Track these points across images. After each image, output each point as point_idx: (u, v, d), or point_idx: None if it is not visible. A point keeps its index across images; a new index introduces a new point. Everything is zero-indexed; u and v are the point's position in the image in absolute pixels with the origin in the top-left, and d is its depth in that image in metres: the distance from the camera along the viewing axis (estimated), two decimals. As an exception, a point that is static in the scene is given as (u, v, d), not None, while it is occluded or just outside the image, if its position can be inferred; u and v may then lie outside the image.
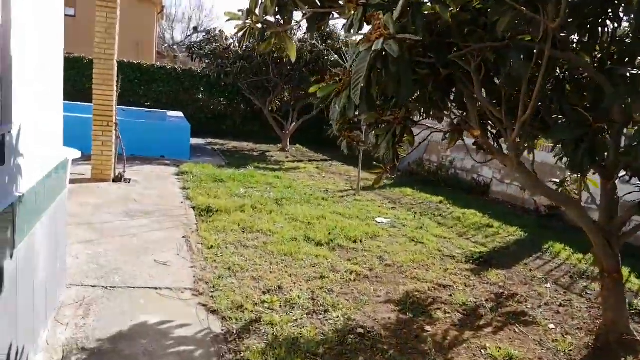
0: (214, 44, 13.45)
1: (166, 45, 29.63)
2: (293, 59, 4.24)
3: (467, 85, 3.56)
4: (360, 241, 5.75)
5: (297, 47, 12.48)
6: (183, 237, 5.26)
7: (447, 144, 4.32)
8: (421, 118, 4.20)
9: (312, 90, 3.52)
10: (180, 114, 14.02)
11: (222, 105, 16.76)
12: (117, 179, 7.53)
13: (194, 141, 12.30)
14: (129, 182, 7.61)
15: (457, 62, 3.31)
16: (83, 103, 12.57)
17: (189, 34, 27.24)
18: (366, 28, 3.01)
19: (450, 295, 4.45)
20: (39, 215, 2.84)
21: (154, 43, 24.07)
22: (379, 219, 6.93)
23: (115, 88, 7.37)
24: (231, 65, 12.59)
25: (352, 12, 3.16)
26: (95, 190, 6.88)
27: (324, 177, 10.52)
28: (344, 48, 12.93)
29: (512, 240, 6.55)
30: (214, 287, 4.07)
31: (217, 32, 13.90)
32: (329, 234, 5.83)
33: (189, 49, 14.00)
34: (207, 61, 13.64)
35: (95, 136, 7.31)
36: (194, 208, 6.50)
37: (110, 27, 7.12)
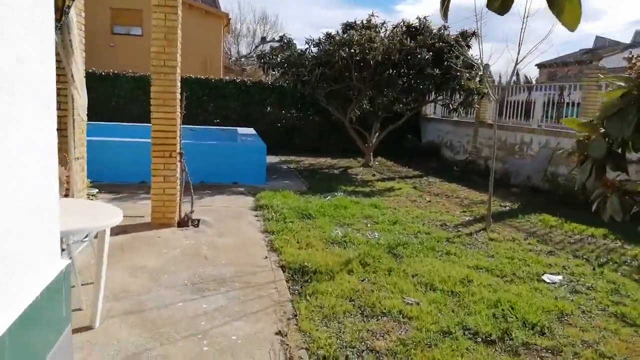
0: (287, 51, 11.72)
1: (232, 58, 28.69)
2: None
3: None
4: (549, 329, 3.58)
5: (384, 45, 10.46)
6: (277, 333, 3.34)
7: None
8: None
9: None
10: (251, 130, 12.41)
11: (294, 118, 15.07)
12: (184, 223, 5.83)
13: (268, 159, 10.57)
14: (197, 225, 5.89)
15: None
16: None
17: (255, 46, 26.11)
18: None
19: None
20: None
21: (221, 57, 22.98)
22: (547, 277, 4.70)
23: (179, 109, 5.69)
24: (308, 73, 10.78)
25: None
26: (155, 242, 5.18)
27: (429, 201, 8.37)
28: (438, 44, 10.77)
29: None
30: None
31: (289, 38, 12.17)
32: (494, 316, 3.70)
33: (259, 58, 12.37)
34: (280, 70, 11.93)
35: (155, 170, 5.64)
36: (283, 268, 4.61)
37: (170, 32, 5.45)
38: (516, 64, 6.60)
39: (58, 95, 5.51)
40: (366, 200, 7.82)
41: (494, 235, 6.19)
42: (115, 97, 13.98)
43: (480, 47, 6.26)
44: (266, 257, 4.89)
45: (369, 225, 6.40)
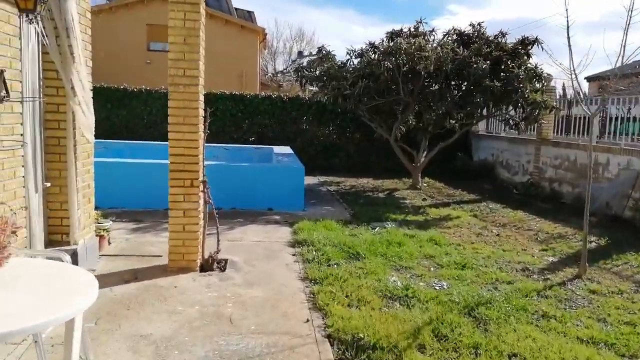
0: (326, 63, 10.68)
1: (269, 74, 28.02)
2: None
3: None
4: None
5: (435, 55, 9.27)
6: None
7: None
8: None
9: None
10: (288, 149, 11.37)
11: (333, 136, 13.98)
12: (207, 266, 4.75)
13: (305, 181, 9.41)
14: (223, 269, 4.79)
15: None
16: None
17: (292, 60, 25.32)
18: None
19: None
20: None
21: (257, 73, 22.28)
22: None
23: (202, 129, 4.65)
24: (350, 87, 9.67)
25: None
26: (170, 295, 4.11)
27: (497, 235, 7.01)
28: (495, 52, 9.49)
29: None
30: None
31: (328, 50, 11.13)
32: None
33: (296, 72, 11.38)
34: (318, 84, 10.89)
35: (173, 203, 4.58)
36: (330, 338, 3.43)
37: (191, 35, 4.44)
38: (574, 74, 5.26)
39: (55, 111, 4.59)
40: (423, 234, 6.56)
41: (594, 287, 4.81)
42: (146, 114, 13.28)
43: (571, 55, 4.99)
44: (308, 321, 3.72)
45: (432, 269, 5.15)
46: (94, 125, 4.58)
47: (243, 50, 20.59)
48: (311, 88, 17.69)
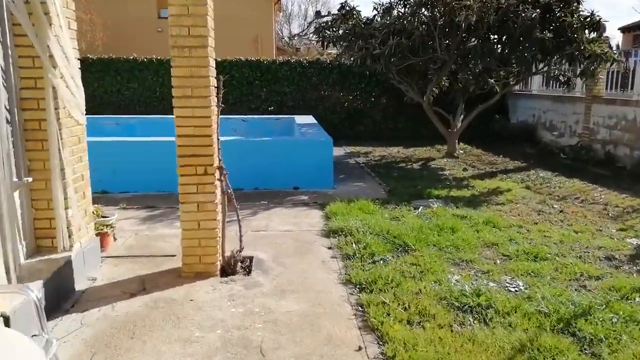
0: (350, 21, 9.51)
1: (284, 38, 26.64)
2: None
3: None
4: None
5: (478, 3, 8.05)
6: None
7: None
8: None
9: None
10: (310, 118, 10.38)
11: (357, 101, 12.89)
12: (229, 268, 3.92)
13: (333, 154, 8.45)
14: (248, 272, 3.96)
15: None
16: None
17: (309, 22, 23.84)
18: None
19: None
20: None
21: (273, 37, 21.02)
22: None
23: (214, 102, 3.72)
24: (380, 45, 8.54)
25: None
26: (184, 313, 3.29)
27: (560, 211, 6.01)
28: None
29: None
30: None
31: (351, 5, 9.93)
32: None
33: (317, 32, 10.23)
34: (342, 45, 9.77)
35: (185, 195, 3.70)
36: (394, 377, 2.60)
37: (194, -16, 3.45)
38: None
39: (33, 87, 3.57)
40: (475, 214, 5.60)
41: None
42: (159, 86, 12.36)
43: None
44: (360, 349, 2.86)
45: (498, 262, 4.23)
46: (84, 102, 3.71)
47: (257, 12, 19.32)
48: (331, 51, 16.49)
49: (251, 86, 12.55)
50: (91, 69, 11.47)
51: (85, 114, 3.75)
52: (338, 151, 10.44)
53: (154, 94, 12.42)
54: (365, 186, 7.42)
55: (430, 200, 6.43)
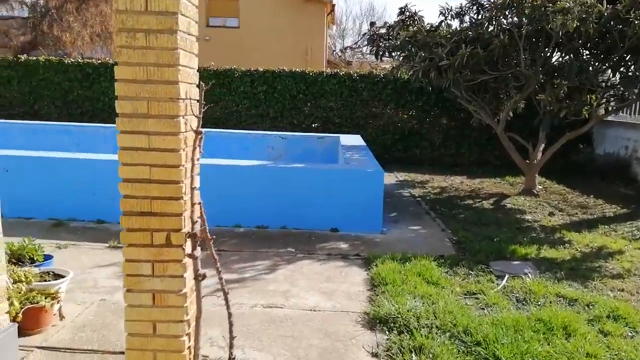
0: (411, 27, 7.88)
1: (336, 51, 25.31)
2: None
3: None
4: None
5: (579, 7, 6.20)
6: None
7: None
8: None
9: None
10: (358, 139, 8.78)
11: (413, 121, 11.15)
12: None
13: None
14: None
15: None
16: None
17: (362, 34, 22.34)
18: None
19: None
20: None
21: (324, 49, 19.67)
22: None
23: (188, 125, 2.18)
24: (448, 56, 6.83)
25: None
26: None
27: None
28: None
29: None
30: None
31: (413, 10, 8.30)
32: None
33: (371, 41, 8.66)
34: (401, 55, 8.14)
35: (131, 280, 2.16)
36: None
37: None
38: None
39: None
40: (589, 295, 3.77)
41: None
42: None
43: None
44: None
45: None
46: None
47: (308, 23, 18.06)
48: (384, 66, 14.86)
49: (294, 100, 11.12)
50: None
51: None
52: (389, 178, 8.77)
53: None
54: (424, 232, 5.70)
55: (517, 263, 4.65)
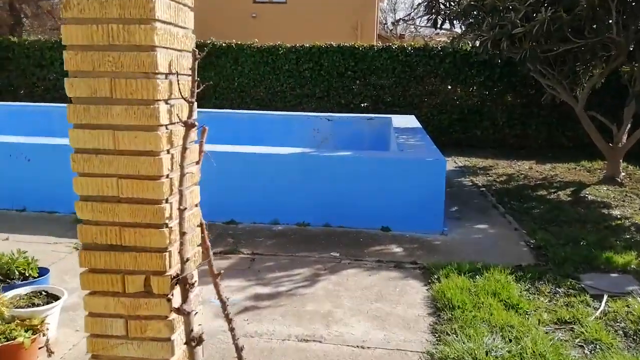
0: (477, -10, 6.77)
1: (387, 24, 23.88)
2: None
3: None
4: None
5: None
6: None
7: None
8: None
9: None
10: (412, 120, 7.84)
11: (474, 98, 10.02)
12: None
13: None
14: None
15: None
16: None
17: (418, 3, 20.69)
18: None
19: None
20: None
21: (375, 23, 18.48)
22: None
23: (168, 115, 1.46)
24: (523, 21, 5.73)
25: None
26: None
27: None
28: None
29: None
30: None
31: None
32: None
33: (429, 7, 7.61)
34: (465, 23, 7.07)
35: (94, 342, 1.55)
36: None
37: None
38: None
39: None
40: None
41: None
42: (237, 75, 10.55)
43: None
44: None
45: None
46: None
47: (358, -4, 16.93)
48: (440, 39, 13.61)
49: (342, 77, 10.26)
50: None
51: None
52: (447, 164, 7.80)
53: (232, 84, 10.64)
54: (493, 232, 4.80)
55: (615, 276, 3.71)
